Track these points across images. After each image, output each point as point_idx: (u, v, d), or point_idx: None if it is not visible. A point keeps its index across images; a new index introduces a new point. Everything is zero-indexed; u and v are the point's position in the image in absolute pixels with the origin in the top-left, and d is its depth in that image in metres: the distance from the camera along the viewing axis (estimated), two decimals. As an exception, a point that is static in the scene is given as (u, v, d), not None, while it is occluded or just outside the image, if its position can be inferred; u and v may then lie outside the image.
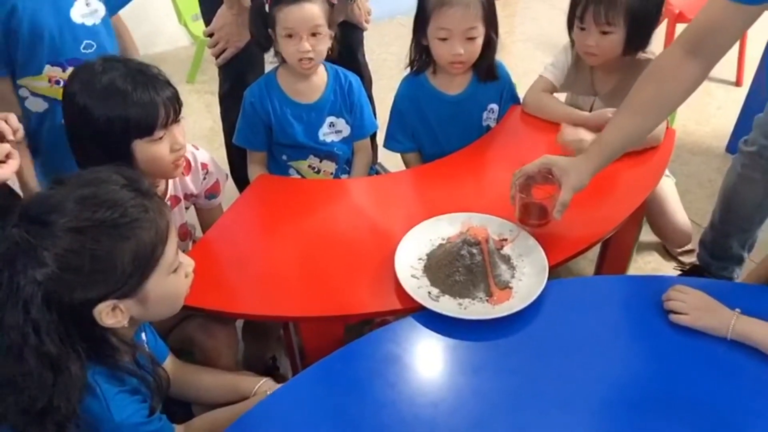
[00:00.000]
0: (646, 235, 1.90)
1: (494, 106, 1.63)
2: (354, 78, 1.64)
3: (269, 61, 1.87)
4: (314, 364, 1.00)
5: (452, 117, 1.61)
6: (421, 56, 1.58)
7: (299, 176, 1.68)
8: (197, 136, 2.42)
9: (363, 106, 1.64)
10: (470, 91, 1.59)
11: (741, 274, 1.71)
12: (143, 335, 0.99)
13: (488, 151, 1.53)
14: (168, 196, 1.25)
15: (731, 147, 2.33)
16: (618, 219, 1.27)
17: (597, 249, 1.61)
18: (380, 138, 1.75)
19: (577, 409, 0.94)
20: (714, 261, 1.71)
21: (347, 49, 1.86)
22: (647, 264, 1.95)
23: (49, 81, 1.37)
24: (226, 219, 1.31)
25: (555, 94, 1.59)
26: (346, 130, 1.64)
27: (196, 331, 1.20)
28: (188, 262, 0.92)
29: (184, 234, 1.34)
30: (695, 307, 1.02)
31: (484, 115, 1.63)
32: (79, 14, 1.36)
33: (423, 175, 1.51)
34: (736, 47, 2.72)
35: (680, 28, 2.36)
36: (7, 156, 1.00)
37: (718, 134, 2.50)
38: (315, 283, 1.15)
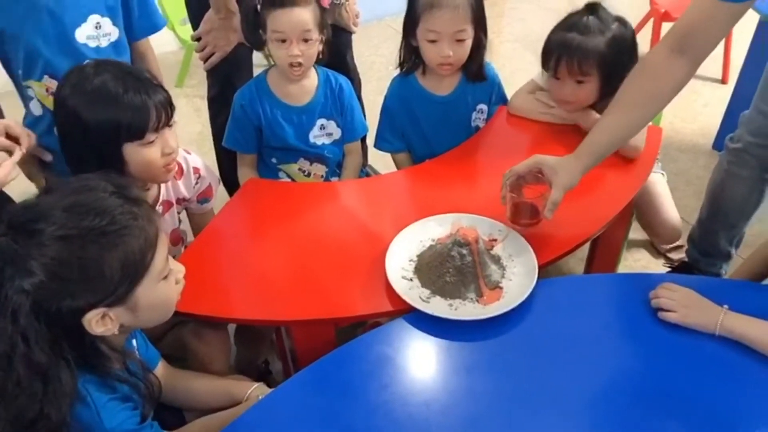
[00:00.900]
0: (636, 233, 1.91)
1: (483, 107, 1.64)
2: (344, 80, 1.64)
3: (257, 64, 1.87)
4: (306, 367, 1.01)
5: (441, 117, 1.61)
6: (411, 57, 1.58)
7: (289, 179, 1.68)
8: (186, 141, 2.41)
9: (353, 108, 1.64)
10: (459, 92, 1.60)
11: (729, 270, 1.73)
12: (134, 342, 0.99)
13: (477, 152, 1.53)
14: (160, 200, 1.25)
15: (718, 144, 2.35)
16: (606, 218, 1.28)
17: (587, 248, 1.62)
18: (370, 141, 1.76)
19: (568, 408, 0.95)
20: (702, 257, 1.73)
21: (336, 52, 1.85)
22: (637, 262, 1.97)
23: (47, 90, 1.36)
24: (216, 223, 1.31)
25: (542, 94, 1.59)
26: (337, 133, 1.64)
27: (189, 337, 1.19)
28: (178, 269, 0.92)
29: (176, 239, 1.33)
30: (683, 304, 1.03)
31: (473, 115, 1.64)
32: (84, 35, 1.34)
33: (412, 177, 1.51)
34: (721, 45, 2.76)
35: (666, 27, 2.39)
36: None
37: (704, 132, 2.52)
38: (305, 286, 1.15)
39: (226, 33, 1.64)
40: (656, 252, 2.01)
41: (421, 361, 1.03)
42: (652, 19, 2.80)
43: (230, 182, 1.77)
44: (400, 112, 1.63)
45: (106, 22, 1.37)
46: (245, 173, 1.65)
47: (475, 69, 1.57)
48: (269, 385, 1.05)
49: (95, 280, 0.79)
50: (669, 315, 1.03)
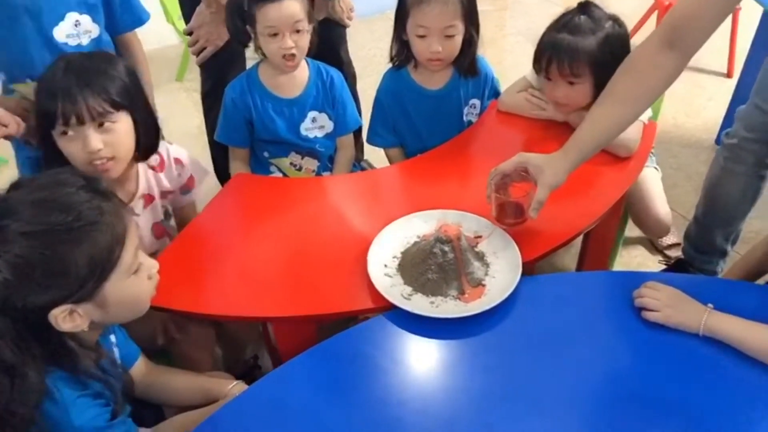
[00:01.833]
0: (633, 230, 1.89)
1: (476, 102, 1.62)
2: (336, 73, 1.63)
3: (249, 57, 1.86)
4: (283, 364, 1.00)
5: (433, 112, 1.60)
6: (402, 51, 1.57)
7: (281, 174, 1.67)
8: (186, 134, 2.41)
9: (345, 101, 1.63)
10: (451, 86, 1.58)
11: (725, 268, 1.70)
12: (112, 337, 0.99)
13: (468, 148, 1.51)
14: (139, 194, 1.24)
15: (720, 139, 2.32)
16: (596, 214, 1.26)
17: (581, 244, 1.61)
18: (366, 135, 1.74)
19: (549, 408, 0.93)
20: (698, 255, 1.70)
21: (329, 46, 1.84)
22: (633, 258, 1.95)
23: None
24: (202, 218, 1.30)
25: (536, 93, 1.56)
26: (329, 126, 1.63)
27: (173, 331, 1.19)
28: (151, 264, 0.91)
29: (160, 232, 1.33)
30: (667, 304, 1.01)
31: (465, 110, 1.62)
32: (63, 34, 1.33)
33: (402, 172, 1.50)
34: (727, 38, 2.71)
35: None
36: None
37: (708, 126, 2.48)
38: (288, 282, 1.14)
39: (218, 27, 1.63)
40: (654, 249, 1.98)
41: (400, 359, 1.02)
42: (656, 12, 2.76)
43: (225, 176, 1.77)
44: (392, 106, 1.62)
45: (86, 20, 1.35)
46: (237, 167, 1.64)
47: (466, 64, 1.55)
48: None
49: (61, 276, 0.78)
50: (652, 315, 1.01)
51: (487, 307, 1.03)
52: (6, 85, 1.38)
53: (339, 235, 1.25)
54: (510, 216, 1.19)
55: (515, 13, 3.46)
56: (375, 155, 1.94)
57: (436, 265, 1.09)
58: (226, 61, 1.72)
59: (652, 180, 1.71)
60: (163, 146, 1.27)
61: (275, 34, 1.42)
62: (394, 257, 1.16)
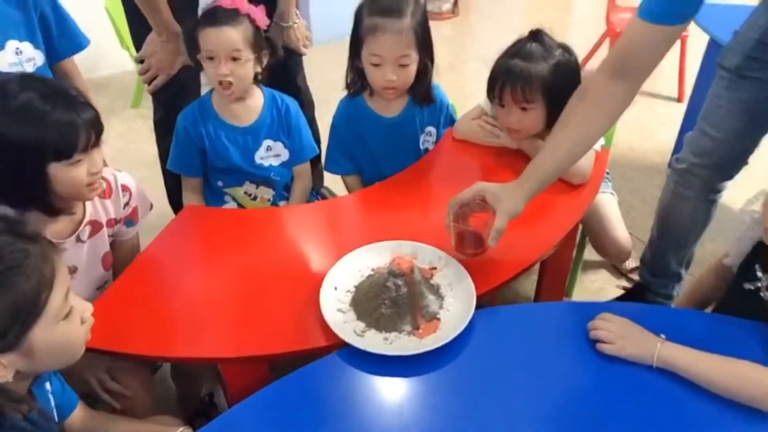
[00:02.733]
0: (593, 254, 1.90)
1: (432, 129, 1.62)
2: (291, 101, 1.61)
3: (205, 83, 1.83)
4: (232, 407, 0.96)
5: (389, 139, 1.59)
6: (357, 79, 1.56)
7: (235, 203, 1.64)
8: (143, 162, 2.35)
9: (301, 129, 1.62)
10: (406, 114, 1.58)
11: (680, 291, 1.72)
12: (47, 385, 0.93)
13: (424, 176, 1.51)
14: (86, 219, 1.19)
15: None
16: (550, 244, 1.26)
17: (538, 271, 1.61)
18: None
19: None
20: (654, 279, 1.72)
21: (285, 74, 1.83)
22: (593, 283, 1.96)
23: None
24: (149, 252, 1.25)
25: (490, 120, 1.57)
26: (285, 154, 1.61)
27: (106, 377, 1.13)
28: (84, 307, 0.86)
29: (109, 263, 1.27)
30: (620, 335, 1.00)
31: (422, 138, 1.62)
32: (6, 63, 1.29)
33: (359, 202, 1.48)
34: (676, 64, 2.80)
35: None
36: None
37: (660, 150, 2.54)
38: (238, 321, 1.10)
39: (169, 55, 1.60)
40: (617, 272, 2.00)
41: (352, 399, 0.98)
42: (608, 39, 2.83)
43: (180, 207, 1.72)
44: (348, 133, 1.61)
45: (27, 47, 1.31)
46: (189, 197, 1.61)
47: (422, 93, 1.55)
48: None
49: None
50: (606, 347, 1.01)
51: (442, 343, 1.01)
52: None
53: (293, 268, 1.22)
54: (470, 246, 1.18)
55: (473, 40, 3.52)
56: (335, 183, 1.92)
57: (390, 299, 1.06)
58: (178, 90, 1.68)
59: (608, 205, 1.73)
60: (109, 173, 1.22)
61: (212, 59, 1.42)
62: (347, 291, 1.13)
